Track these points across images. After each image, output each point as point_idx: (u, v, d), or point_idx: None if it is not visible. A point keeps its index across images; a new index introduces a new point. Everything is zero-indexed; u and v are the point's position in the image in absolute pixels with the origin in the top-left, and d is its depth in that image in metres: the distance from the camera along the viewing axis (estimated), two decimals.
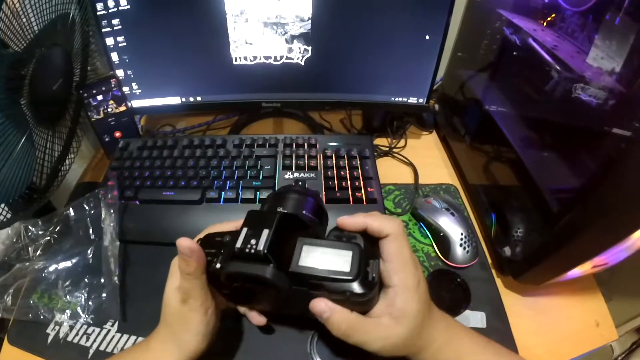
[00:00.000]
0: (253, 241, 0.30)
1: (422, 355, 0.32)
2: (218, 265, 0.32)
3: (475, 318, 0.44)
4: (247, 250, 0.29)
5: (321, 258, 0.30)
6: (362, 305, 0.30)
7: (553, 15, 0.49)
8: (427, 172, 0.61)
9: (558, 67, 0.45)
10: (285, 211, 0.33)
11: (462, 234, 0.50)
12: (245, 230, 0.31)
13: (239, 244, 0.30)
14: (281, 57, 0.57)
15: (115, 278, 0.47)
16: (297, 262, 0.30)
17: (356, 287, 0.29)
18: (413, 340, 0.31)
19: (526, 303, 0.46)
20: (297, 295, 0.31)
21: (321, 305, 0.30)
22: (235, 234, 0.31)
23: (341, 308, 0.30)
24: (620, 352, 0.73)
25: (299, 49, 0.56)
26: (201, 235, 0.36)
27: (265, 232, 0.30)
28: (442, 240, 0.50)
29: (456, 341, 0.33)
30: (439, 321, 0.33)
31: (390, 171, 0.61)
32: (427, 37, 0.56)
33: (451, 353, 0.32)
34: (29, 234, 0.52)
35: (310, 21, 0.54)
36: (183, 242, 0.32)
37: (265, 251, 0.29)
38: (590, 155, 0.39)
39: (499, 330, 0.43)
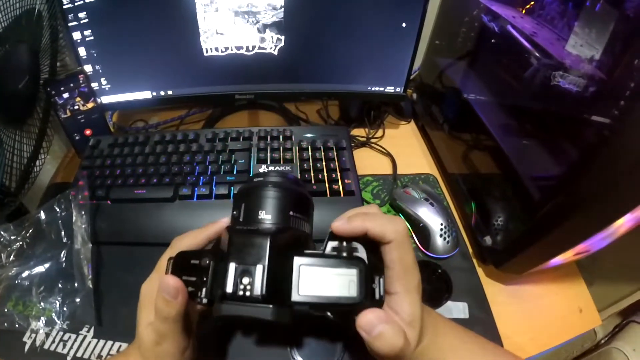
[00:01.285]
0: (246, 280, 0.25)
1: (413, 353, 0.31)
2: (205, 301, 0.27)
3: (457, 309, 0.44)
4: (240, 293, 0.25)
5: (323, 281, 0.26)
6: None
7: (532, 2, 0.49)
8: (406, 162, 0.61)
9: (537, 54, 0.44)
10: (275, 227, 0.28)
11: (441, 224, 0.49)
12: (233, 266, 0.26)
13: (229, 287, 0.25)
14: (253, 47, 0.56)
15: (89, 282, 0.46)
16: (297, 291, 0.26)
17: (363, 309, 0.26)
18: (416, 343, 0.29)
19: (508, 292, 0.46)
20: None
21: (369, 322, 0.26)
22: (215, 256, 0.28)
23: (390, 326, 0.27)
24: (603, 336, 0.74)
25: (272, 38, 0.55)
26: (169, 254, 0.31)
27: (259, 268, 0.25)
28: (422, 231, 0.50)
29: (441, 337, 0.31)
30: (426, 318, 0.31)
31: (368, 162, 0.60)
32: (404, 25, 0.54)
33: (437, 351, 0.30)
34: (1, 239, 0.50)
35: (282, 9, 0.52)
36: (170, 281, 0.28)
37: (264, 294, 0.25)
38: (570, 143, 0.39)
39: (481, 320, 0.43)
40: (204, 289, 0.27)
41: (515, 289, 0.46)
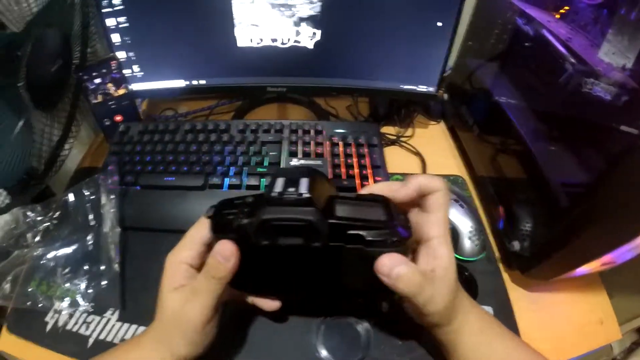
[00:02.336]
0: (292, 189, 0.28)
1: (447, 328, 0.32)
2: (245, 221, 0.28)
3: (483, 309, 0.44)
4: (286, 196, 0.27)
5: (355, 210, 0.29)
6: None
7: (566, 7, 0.48)
8: (435, 163, 0.60)
9: (572, 60, 0.44)
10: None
11: (470, 226, 0.49)
12: (280, 179, 0.29)
13: (277, 189, 0.28)
14: (288, 40, 0.55)
15: (116, 265, 0.46)
16: (333, 214, 0.28)
17: (396, 231, 0.28)
18: (449, 305, 0.31)
19: (532, 298, 0.46)
20: (327, 258, 0.29)
21: (393, 259, 0.28)
22: (258, 194, 0.30)
23: (408, 266, 0.29)
24: (619, 351, 0.73)
25: (308, 32, 0.54)
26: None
27: (304, 179, 0.28)
28: (450, 233, 0.49)
29: (472, 320, 0.33)
30: (464, 298, 0.33)
31: (397, 160, 0.60)
32: (439, 24, 0.54)
33: (469, 332, 0.32)
34: (28, 220, 0.50)
35: (319, 3, 0.52)
36: (227, 245, 0.30)
37: (309, 195, 0.27)
38: (600, 151, 0.38)
39: (504, 325, 0.42)
40: (244, 214, 0.29)
41: (538, 296, 0.46)
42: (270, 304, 0.36)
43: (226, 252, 0.30)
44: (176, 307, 0.31)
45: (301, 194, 0.27)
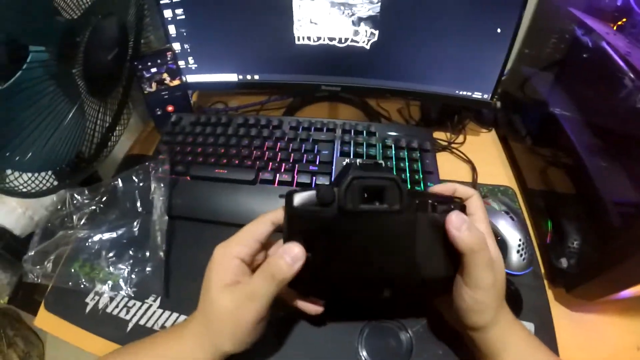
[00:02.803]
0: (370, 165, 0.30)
1: (489, 331, 0.32)
2: (330, 189, 0.29)
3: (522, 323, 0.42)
4: (369, 163, 0.30)
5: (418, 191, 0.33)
6: None
7: (624, 19, 0.47)
8: (485, 172, 0.58)
9: (631, 75, 0.42)
10: None
11: (520, 239, 0.47)
12: (359, 160, 0.32)
13: (359, 161, 0.30)
14: (346, 40, 0.55)
15: (162, 253, 0.46)
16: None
17: (457, 202, 0.32)
18: (499, 294, 0.32)
19: (573, 317, 0.44)
20: (399, 235, 0.31)
21: (460, 216, 0.30)
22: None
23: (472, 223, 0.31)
24: None
25: (366, 32, 0.54)
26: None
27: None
28: (499, 244, 0.47)
29: (516, 328, 0.34)
30: (507, 308, 0.34)
31: (448, 167, 0.58)
32: (499, 30, 0.53)
33: (509, 339, 0.33)
34: (75, 202, 0.51)
35: (379, 3, 0.51)
36: (296, 247, 0.30)
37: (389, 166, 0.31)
38: None
39: (545, 343, 0.41)
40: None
41: (580, 316, 0.44)
42: (313, 308, 0.35)
43: (294, 252, 0.29)
44: (229, 307, 0.30)
45: (381, 164, 0.28)
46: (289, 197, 0.30)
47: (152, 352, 0.33)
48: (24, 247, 0.75)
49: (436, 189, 0.37)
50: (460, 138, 0.64)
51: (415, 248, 0.31)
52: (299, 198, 0.30)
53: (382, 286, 0.33)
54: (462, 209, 0.33)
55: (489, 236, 0.33)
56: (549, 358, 0.33)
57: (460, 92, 0.58)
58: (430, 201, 0.31)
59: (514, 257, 0.46)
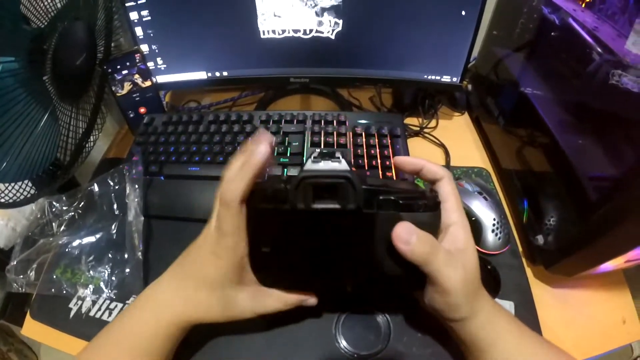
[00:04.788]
0: (327, 157, 0.29)
1: (469, 323, 0.31)
2: (282, 185, 0.29)
3: (503, 307, 0.43)
4: (322, 160, 0.28)
5: (384, 181, 0.31)
6: (429, 228, 0.30)
7: None
8: (459, 155, 0.59)
9: (599, 50, 0.42)
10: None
11: (494, 219, 0.48)
12: (317, 150, 0.30)
13: (317, 151, 0.29)
14: (310, 31, 0.55)
15: (139, 253, 0.47)
16: (365, 182, 0.29)
17: (427, 195, 0.30)
18: (472, 287, 0.31)
19: (554, 294, 0.45)
20: (359, 231, 0.30)
21: (407, 227, 0.29)
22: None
23: (423, 232, 0.29)
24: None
25: (330, 22, 0.54)
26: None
27: (338, 151, 0.31)
28: (474, 225, 0.48)
29: (497, 318, 0.32)
30: (485, 294, 0.33)
31: (420, 152, 0.59)
32: (463, 13, 0.53)
33: (492, 330, 0.31)
34: (53, 209, 0.52)
35: None
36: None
37: (344, 159, 0.29)
38: (629, 144, 0.37)
39: (526, 321, 0.41)
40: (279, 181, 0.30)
41: (561, 293, 0.45)
42: (309, 300, 0.35)
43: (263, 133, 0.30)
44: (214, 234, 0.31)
45: (337, 157, 0.28)
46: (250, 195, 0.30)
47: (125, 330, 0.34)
48: (8, 259, 0.75)
49: (400, 161, 0.35)
50: (433, 123, 0.64)
51: (375, 245, 0.30)
52: (255, 198, 0.30)
53: (343, 280, 0.33)
54: (433, 206, 0.31)
55: (462, 225, 0.32)
56: (535, 344, 0.32)
57: (429, 77, 0.59)
58: (393, 198, 0.29)
59: (490, 236, 0.47)
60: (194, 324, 0.34)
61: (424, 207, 0.29)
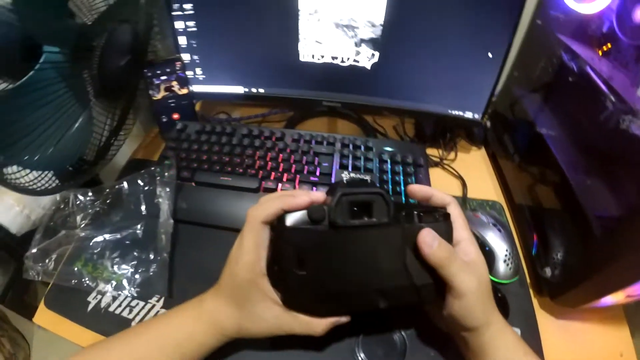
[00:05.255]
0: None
1: (482, 332, 0.34)
2: (323, 207, 0.31)
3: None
4: (356, 179, 0.32)
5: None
6: (445, 237, 0.33)
7: (609, 45, 0.49)
8: (475, 187, 0.61)
9: (612, 98, 0.45)
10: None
11: (506, 250, 0.50)
12: (346, 177, 0.34)
13: (347, 178, 0.33)
14: (348, 59, 0.58)
15: (166, 254, 0.47)
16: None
17: (440, 210, 0.34)
18: (485, 296, 0.34)
19: (559, 324, 0.47)
20: (390, 247, 0.32)
21: (431, 233, 0.32)
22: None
23: (443, 239, 0.33)
24: None
25: (367, 53, 0.57)
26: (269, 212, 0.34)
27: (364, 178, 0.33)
28: (487, 255, 0.50)
29: (508, 335, 0.35)
30: (496, 309, 0.36)
31: (439, 182, 0.61)
32: (490, 55, 0.56)
33: (501, 345, 0.34)
34: (78, 202, 0.52)
35: (381, 27, 0.55)
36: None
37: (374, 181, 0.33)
38: (634, 186, 0.39)
39: (531, 347, 0.42)
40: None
41: (565, 323, 0.47)
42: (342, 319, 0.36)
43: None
44: (257, 275, 0.34)
45: (366, 180, 0.31)
46: (280, 219, 0.32)
47: (159, 332, 0.35)
48: (19, 246, 0.75)
49: (413, 188, 0.39)
50: (452, 155, 0.67)
51: (405, 257, 0.33)
52: (290, 218, 0.32)
53: (378, 297, 0.34)
54: (447, 217, 0.35)
55: (471, 242, 0.35)
56: None
57: (453, 112, 0.62)
58: (416, 212, 0.33)
59: (501, 266, 0.49)
60: (230, 337, 0.36)
61: (439, 217, 0.34)
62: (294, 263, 0.32)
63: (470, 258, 0.34)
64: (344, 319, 0.36)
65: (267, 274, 0.34)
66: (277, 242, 0.34)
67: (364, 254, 0.32)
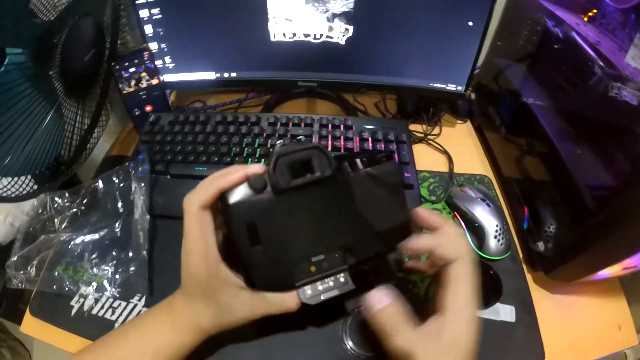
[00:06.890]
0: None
1: None
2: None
3: (504, 311, 0.44)
4: (291, 142, 0.30)
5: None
6: (392, 177, 0.32)
7: (595, 10, 0.48)
8: (461, 162, 0.60)
9: (600, 63, 0.44)
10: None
11: (497, 225, 0.49)
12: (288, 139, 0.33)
13: (281, 142, 0.31)
14: (321, 36, 0.56)
15: (144, 252, 0.46)
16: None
17: (385, 152, 0.32)
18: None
19: (554, 299, 0.46)
20: (337, 197, 0.31)
21: (378, 295, 0.30)
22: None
23: (398, 303, 0.29)
24: (633, 359, 0.72)
25: (340, 27, 0.55)
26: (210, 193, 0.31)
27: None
28: (477, 231, 0.49)
29: None
30: None
31: (424, 158, 0.60)
32: (470, 24, 0.54)
33: None
34: (55, 205, 0.51)
35: None
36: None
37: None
38: (627, 154, 0.38)
39: (526, 324, 0.43)
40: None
41: (560, 298, 0.46)
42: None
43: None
44: (219, 263, 0.32)
45: (301, 139, 0.29)
46: (222, 199, 0.30)
47: (137, 339, 0.34)
48: (6, 255, 0.74)
49: (423, 213, 0.34)
50: (437, 130, 0.65)
51: (359, 206, 0.31)
52: (234, 195, 0.30)
53: (343, 254, 0.32)
54: (390, 157, 0.33)
55: (460, 316, 0.29)
56: None
57: (435, 85, 0.60)
58: (358, 159, 0.32)
59: (492, 242, 0.48)
60: (211, 333, 0.34)
61: (383, 158, 0.32)
62: (247, 240, 0.30)
63: (447, 337, 0.28)
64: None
65: (224, 260, 0.32)
66: (226, 224, 0.31)
67: (316, 212, 0.31)
